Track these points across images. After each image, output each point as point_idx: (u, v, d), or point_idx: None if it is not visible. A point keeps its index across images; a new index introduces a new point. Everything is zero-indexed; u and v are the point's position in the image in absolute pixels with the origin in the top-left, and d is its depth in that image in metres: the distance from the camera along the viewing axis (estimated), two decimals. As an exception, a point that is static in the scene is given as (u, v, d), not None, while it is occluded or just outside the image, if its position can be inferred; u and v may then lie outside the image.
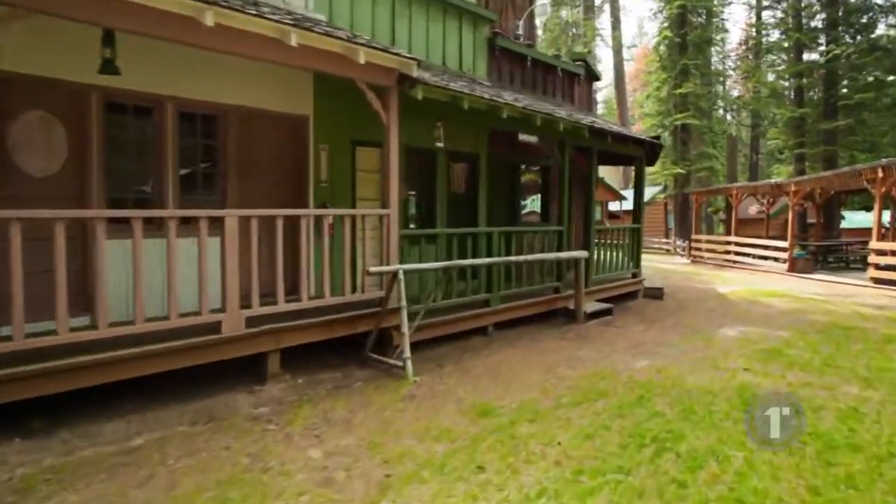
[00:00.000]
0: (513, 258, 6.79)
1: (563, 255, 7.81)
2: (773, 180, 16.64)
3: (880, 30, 22.77)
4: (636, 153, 10.41)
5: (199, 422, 4.07)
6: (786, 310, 9.53)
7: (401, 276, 5.27)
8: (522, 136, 8.17)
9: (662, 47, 32.27)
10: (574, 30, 45.71)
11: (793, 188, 15.67)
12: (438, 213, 8.41)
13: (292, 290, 5.32)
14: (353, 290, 5.65)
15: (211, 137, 6.13)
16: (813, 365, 5.89)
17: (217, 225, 4.71)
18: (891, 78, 21.33)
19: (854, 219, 27.56)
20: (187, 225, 4.80)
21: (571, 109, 10.36)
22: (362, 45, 5.15)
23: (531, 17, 12.34)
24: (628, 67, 49.65)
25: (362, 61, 5.12)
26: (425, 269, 5.77)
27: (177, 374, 4.42)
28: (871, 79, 21.21)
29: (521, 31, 11.16)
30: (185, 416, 4.14)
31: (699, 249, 20.69)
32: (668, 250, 27.22)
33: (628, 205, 38.00)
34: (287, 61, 4.90)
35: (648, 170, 36.28)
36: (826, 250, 17.24)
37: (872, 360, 6.14)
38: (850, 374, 5.60)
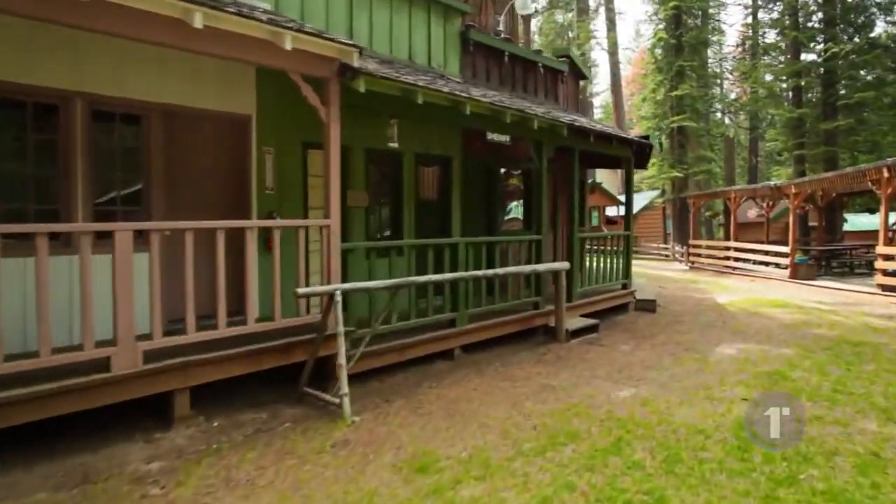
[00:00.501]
0: (480, 272, 6.02)
1: (540, 267, 7.05)
2: (772, 182, 15.91)
3: (879, 28, 22.17)
4: (623, 154, 9.67)
5: (67, 486, 3.29)
6: (789, 322, 8.74)
7: (338, 297, 4.50)
8: (493, 136, 7.41)
9: (658, 49, 31.70)
10: (570, 33, 45.15)
11: (793, 190, 14.92)
12: (405, 223, 7.66)
13: (209, 316, 4.56)
14: (299, 312, 4.90)
15: (133, 140, 5.40)
16: (821, 392, 5.11)
17: (137, 241, 3.95)
18: (891, 77, 20.61)
19: (857, 221, 26.78)
20: (100, 240, 4.07)
21: (554, 108, 9.63)
22: (289, 29, 4.41)
23: (513, 12, 11.64)
24: (625, 71, 49.10)
25: (289, 47, 4.38)
26: (372, 289, 5.00)
27: (65, 420, 3.65)
28: (870, 78, 20.50)
29: (501, 27, 10.44)
30: (51, 478, 3.36)
31: (698, 255, 19.93)
32: (666, 256, 26.41)
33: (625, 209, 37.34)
34: (194, 47, 4.15)
35: (646, 174, 35.45)
36: (829, 255, 16.46)
37: (890, 384, 5.35)
38: (865, 403, 4.82)
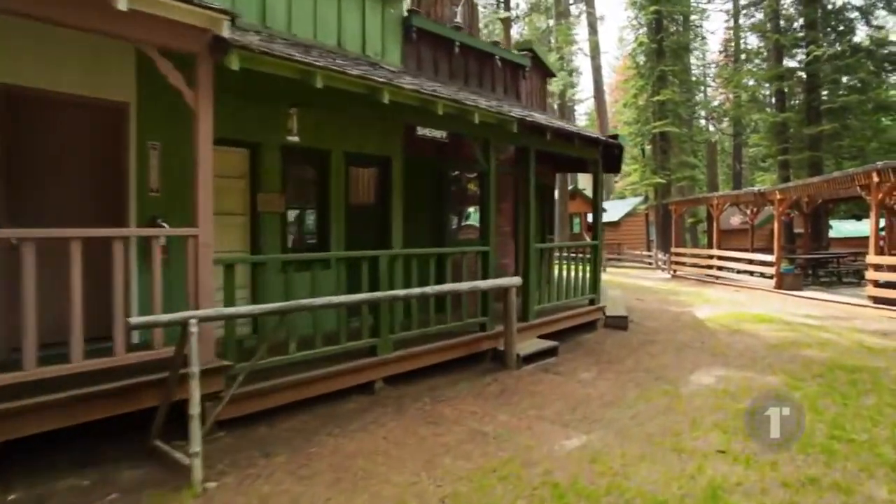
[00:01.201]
0: (403, 292, 5.00)
1: (483, 284, 6.05)
2: (755, 188, 15.11)
3: (860, 33, 21.63)
4: (590, 156, 8.73)
5: None
6: (775, 341, 7.81)
7: (193, 328, 3.45)
8: (424, 132, 6.43)
9: (640, 55, 31.15)
10: (552, 39, 44.66)
11: (778, 196, 14.11)
12: (334, 232, 6.62)
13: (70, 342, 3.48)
14: (155, 345, 3.84)
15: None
16: (815, 439, 4.12)
17: None
18: (875, 82, 20.03)
19: (842, 228, 26.15)
20: None
21: (514, 106, 8.68)
22: (125, -20, 3.39)
23: (471, 4, 10.70)
24: (610, 79, 48.66)
25: (123, 7, 3.36)
26: (235, 316, 3.95)
27: None
28: (854, 82, 19.90)
29: (459, 20, 9.51)
30: None
31: (680, 263, 19.09)
32: (650, 264, 25.56)
33: (610, 216, 36.61)
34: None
35: (627, 180, 34.53)
36: (815, 264, 15.66)
37: (896, 425, 4.40)
38: (869, 454, 3.85)
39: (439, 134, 6.54)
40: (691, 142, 32.68)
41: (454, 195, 8.73)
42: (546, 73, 11.24)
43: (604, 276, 20.48)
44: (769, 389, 5.42)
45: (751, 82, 24.82)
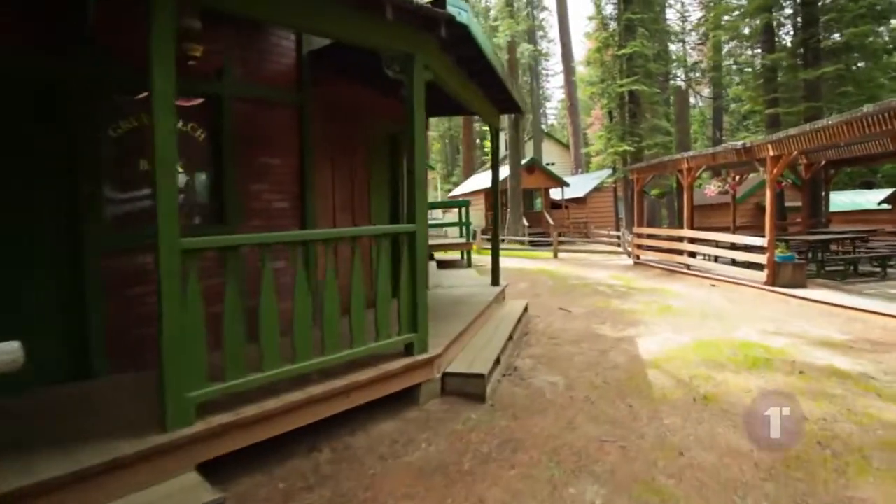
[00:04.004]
0: None
1: None
2: (738, 143, 10.82)
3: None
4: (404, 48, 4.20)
5: None
6: (788, 454, 3.49)
7: None
8: None
9: (605, 3, 26.60)
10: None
11: (770, 152, 9.81)
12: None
13: None
14: None
15: None
16: None
17: None
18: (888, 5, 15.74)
19: (837, 200, 22.08)
20: None
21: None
22: None
23: None
24: (584, 49, 43.95)
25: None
26: None
27: None
28: (862, 9, 15.54)
29: None
30: None
31: (642, 247, 14.85)
32: (618, 245, 21.30)
33: (575, 191, 32.23)
34: None
35: (591, 148, 29.98)
36: (819, 248, 11.46)
37: None
38: None
39: None
40: (665, 105, 28.43)
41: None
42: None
43: (552, 266, 16.25)
44: None
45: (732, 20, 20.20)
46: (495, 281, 7.41)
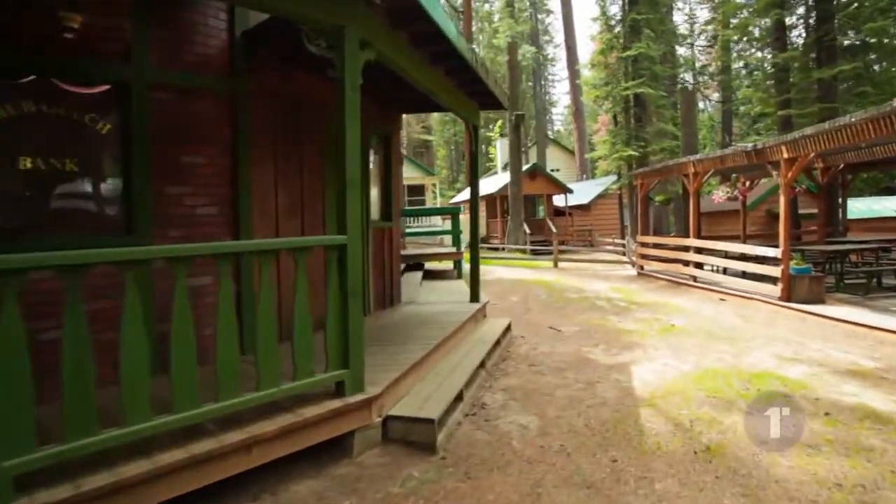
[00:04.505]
0: None
1: None
2: (748, 145, 9.99)
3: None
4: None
5: None
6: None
7: None
8: None
9: (609, 2, 25.90)
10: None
11: (784, 155, 8.97)
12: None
13: None
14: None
15: None
16: None
17: None
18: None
19: (852, 207, 21.03)
20: None
21: None
22: None
23: None
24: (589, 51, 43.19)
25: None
26: None
27: None
28: (884, 4, 14.65)
29: None
30: None
31: (648, 257, 13.99)
32: (622, 254, 20.43)
33: (579, 198, 31.32)
34: None
35: (595, 153, 29.21)
36: (838, 259, 10.56)
37: None
38: None
39: None
40: (673, 109, 27.56)
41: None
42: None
43: (550, 276, 15.38)
44: None
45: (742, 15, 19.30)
46: (475, 297, 6.61)
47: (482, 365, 4.91)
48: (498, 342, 5.77)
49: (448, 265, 12.56)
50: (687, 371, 5.22)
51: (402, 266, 12.15)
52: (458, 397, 4.03)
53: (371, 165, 6.02)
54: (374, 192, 6.31)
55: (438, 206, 31.62)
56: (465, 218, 30.70)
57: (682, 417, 4.01)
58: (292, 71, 4.84)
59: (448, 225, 28.94)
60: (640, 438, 3.63)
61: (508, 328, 6.47)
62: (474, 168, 6.16)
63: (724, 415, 4.04)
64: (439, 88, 4.87)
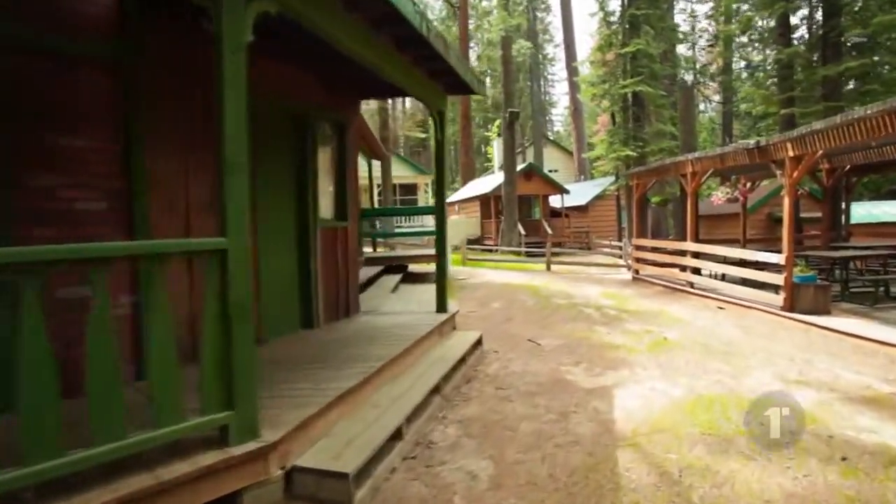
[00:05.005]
0: None
1: None
2: (750, 142, 9.26)
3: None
4: None
5: None
6: None
7: None
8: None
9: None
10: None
11: (790, 153, 8.24)
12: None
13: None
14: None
15: None
16: None
17: None
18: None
19: (855, 212, 20.27)
20: None
21: None
22: None
23: None
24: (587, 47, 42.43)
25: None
26: None
27: None
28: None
29: None
30: None
31: (642, 261, 13.25)
32: (620, 256, 19.70)
33: (576, 199, 30.56)
34: None
35: (592, 153, 28.55)
36: (843, 266, 9.84)
37: None
38: None
39: None
40: (672, 109, 26.82)
41: None
42: None
43: (541, 280, 14.58)
44: None
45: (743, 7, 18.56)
46: (441, 307, 5.86)
47: (437, 389, 4.17)
48: (463, 359, 5.03)
49: (433, 267, 11.83)
50: (678, 398, 4.48)
51: (381, 268, 11.45)
52: (396, 435, 3.29)
53: (321, 156, 5.27)
54: (328, 188, 5.56)
55: (432, 205, 30.89)
56: (456, 218, 30.01)
57: (669, 464, 3.27)
58: (202, 40, 4.09)
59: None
60: (614, 496, 2.89)
61: (479, 342, 5.73)
62: (439, 161, 5.43)
63: (720, 460, 3.30)
64: (389, 65, 4.14)
